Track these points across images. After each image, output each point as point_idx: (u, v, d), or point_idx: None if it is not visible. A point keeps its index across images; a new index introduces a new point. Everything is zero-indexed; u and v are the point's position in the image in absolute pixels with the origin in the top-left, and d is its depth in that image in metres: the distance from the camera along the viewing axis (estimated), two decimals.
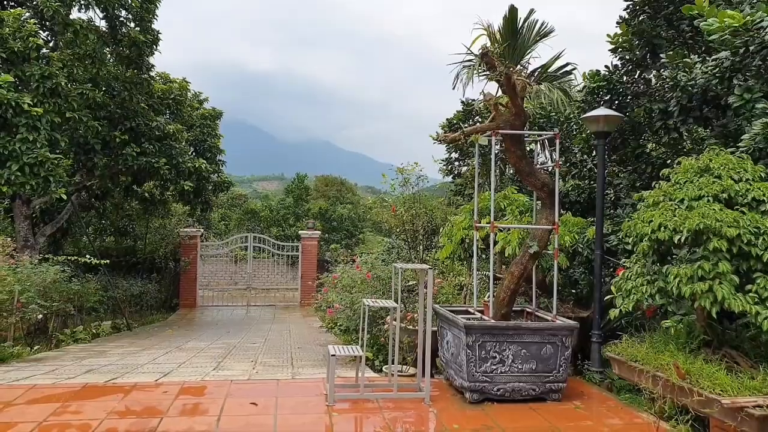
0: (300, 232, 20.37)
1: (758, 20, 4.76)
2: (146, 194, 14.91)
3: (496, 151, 9.21)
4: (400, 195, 8.06)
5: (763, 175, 3.92)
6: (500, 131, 6.14)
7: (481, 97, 9.55)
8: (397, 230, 7.91)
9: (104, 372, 7.03)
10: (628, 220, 4.23)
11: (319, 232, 20.62)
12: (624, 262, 4.62)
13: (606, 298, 6.56)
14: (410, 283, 8.07)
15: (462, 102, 9.32)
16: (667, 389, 3.66)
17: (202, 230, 19.44)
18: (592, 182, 8.94)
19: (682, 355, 3.77)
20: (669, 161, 7.41)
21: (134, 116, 12.48)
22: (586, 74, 7.40)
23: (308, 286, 19.42)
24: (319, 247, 20.33)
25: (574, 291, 8.18)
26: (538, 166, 7.21)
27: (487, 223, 6.77)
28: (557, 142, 6.46)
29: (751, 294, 3.47)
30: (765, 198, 3.67)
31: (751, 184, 3.77)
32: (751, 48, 4.90)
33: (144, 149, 12.65)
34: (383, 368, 7.15)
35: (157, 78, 13.57)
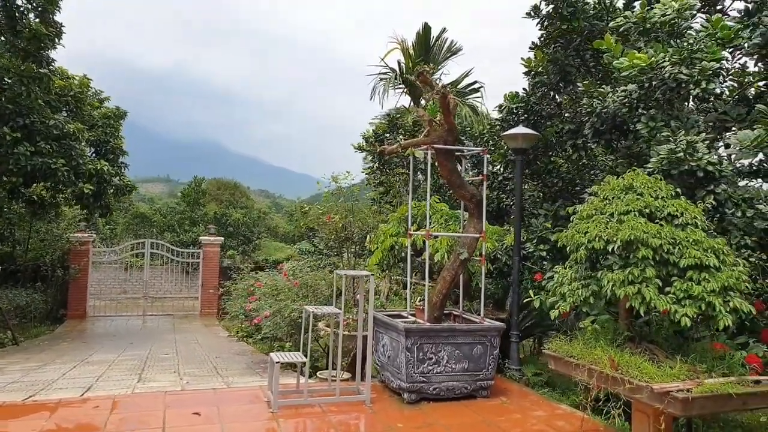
0: (201, 237, 19.69)
1: (660, 61, 5.54)
2: (35, 197, 13.78)
3: (416, 163, 9.55)
4: (330, 203, 8.24)
5: (672, 193, 4.60)
6: (435, 146, 6.53)
7: (396, 106, 9.81)
8: (332, 237, 8.08)
9: (13, 390, 6.54)
10: (565, 231, 4.73)
11: (222, 238, 20.07)
12: (555, 268, 5.16)
13: (525, 300, 7.18)
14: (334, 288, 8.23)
15: (387, 114, 9.70)
16: (601, 380, 4.18)
17: (94, 235, 18.24)
18: (500, 193, 9.66)
19: (611, 349, 4.32)
20: (575, 176, 8.25)
21: (28, 113, 11.56)
22: (507, 95, 8.05)
23: (209, 295, 18.81)
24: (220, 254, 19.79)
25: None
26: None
27: (415, 230, 7.17)
28: (485, 157, 6.98)
29: (670, 295, 4.08)
30: (678, 213, 4.34)
31: (665, 201, 4.42)
32: (654, 83, 5.69)
33: (40, 149, 11.73)
34: (317, 374, 7.27)
35: (56, 73, 12.64)
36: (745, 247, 5.11)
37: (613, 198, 4.53)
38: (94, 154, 14.09)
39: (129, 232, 30.26)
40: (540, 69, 7.68)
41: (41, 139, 11.83)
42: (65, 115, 13.08)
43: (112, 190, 13.82)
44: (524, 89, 8.04)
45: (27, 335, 13.71)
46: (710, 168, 4.99)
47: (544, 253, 7.55)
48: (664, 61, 5.49)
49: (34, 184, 13.15)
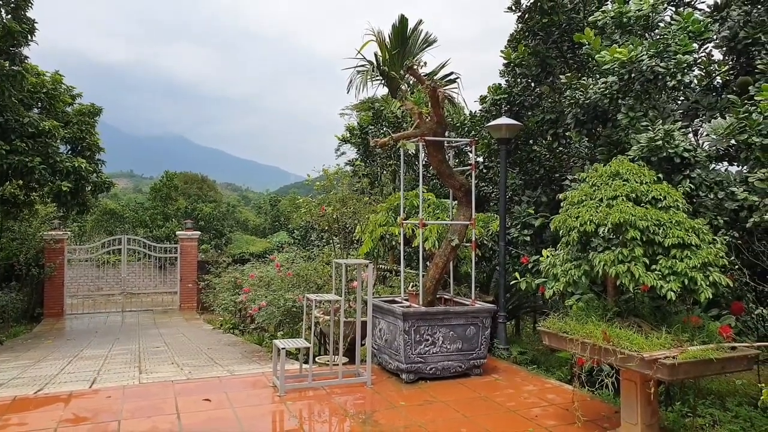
0: (178, 232, 19.63)
1: (639, 55, 5.92)
2: (7, 196, 13.54)
3: (400, 154, 9.83)
4: (319, 195, 8.48)
5: (654, 178, 4.98)
6: (426, 138, 6.80)
7: (371, 97, 10.08)
8: (326, 228, 8.30)
9: (18, 385, 6.62)
10: (557, 215, 5.06)
11: (199, 232, 20.02)
12: (544, 252, 5.51)
13: (512, 283, 7.55)
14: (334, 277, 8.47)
15: (371, 107, 9.93)
16: (594, 352, 4.54)
17: (69, 233, 18.01)
18: (480, 181, 10.01)
19: (602, 324, 4.68)
20: (555, 164, 8.63)
21: (2, 111, 11.40)
22: (490, 87, 8.36)
23: (188, 289, 18.81)
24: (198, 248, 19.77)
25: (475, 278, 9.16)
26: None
27: (405, 220, 7.45)
28: (473, 147, 7.29)
29: (656, 272, 4.46)
30: (661, 197, 4.72)
31: (649, 186, 4.80)
32: (633, 75, 6.07)
33: (15, 147, 11.62)
34: (316, 359, 7.51)
35: (29, 70, 12.42)
36: (717, 227, 5.54)
37: (601, 184, 4.89)
38: (70, 152, 13.94)
39: (99, 229, 29.78)
40: (521, 61, 8.01)
41: (16, 138, 11.71)
42: (37, 112, 12.92)
43: (89, 188, 13.70)
44: (506, 81, 8.37)
45: (6, 335, 13.58)
46: (686, 154, 5.40)
47: (528, 238, 7.92)
48: (643, 54, 5.87)
49: (7, 183, 12.94)
